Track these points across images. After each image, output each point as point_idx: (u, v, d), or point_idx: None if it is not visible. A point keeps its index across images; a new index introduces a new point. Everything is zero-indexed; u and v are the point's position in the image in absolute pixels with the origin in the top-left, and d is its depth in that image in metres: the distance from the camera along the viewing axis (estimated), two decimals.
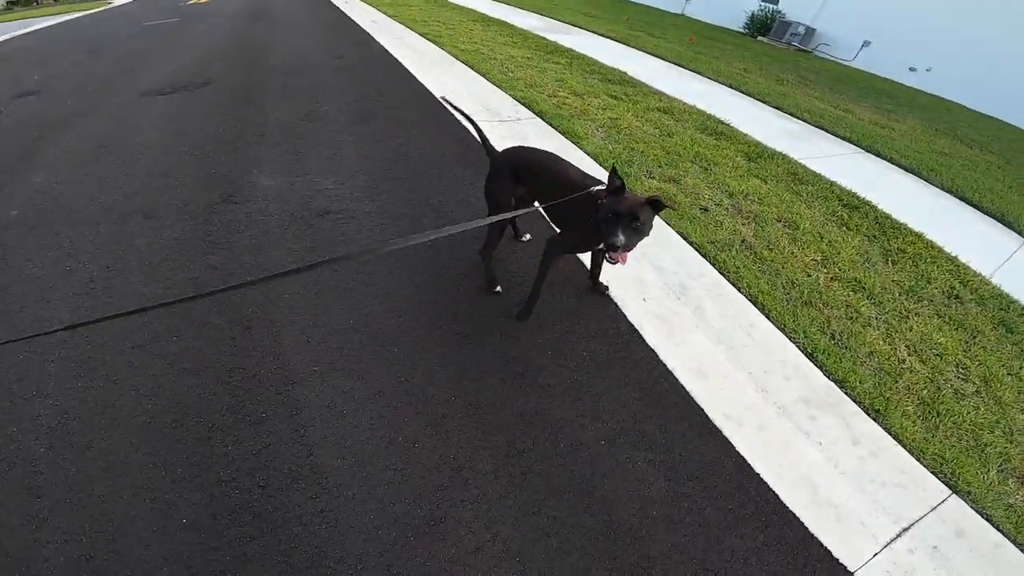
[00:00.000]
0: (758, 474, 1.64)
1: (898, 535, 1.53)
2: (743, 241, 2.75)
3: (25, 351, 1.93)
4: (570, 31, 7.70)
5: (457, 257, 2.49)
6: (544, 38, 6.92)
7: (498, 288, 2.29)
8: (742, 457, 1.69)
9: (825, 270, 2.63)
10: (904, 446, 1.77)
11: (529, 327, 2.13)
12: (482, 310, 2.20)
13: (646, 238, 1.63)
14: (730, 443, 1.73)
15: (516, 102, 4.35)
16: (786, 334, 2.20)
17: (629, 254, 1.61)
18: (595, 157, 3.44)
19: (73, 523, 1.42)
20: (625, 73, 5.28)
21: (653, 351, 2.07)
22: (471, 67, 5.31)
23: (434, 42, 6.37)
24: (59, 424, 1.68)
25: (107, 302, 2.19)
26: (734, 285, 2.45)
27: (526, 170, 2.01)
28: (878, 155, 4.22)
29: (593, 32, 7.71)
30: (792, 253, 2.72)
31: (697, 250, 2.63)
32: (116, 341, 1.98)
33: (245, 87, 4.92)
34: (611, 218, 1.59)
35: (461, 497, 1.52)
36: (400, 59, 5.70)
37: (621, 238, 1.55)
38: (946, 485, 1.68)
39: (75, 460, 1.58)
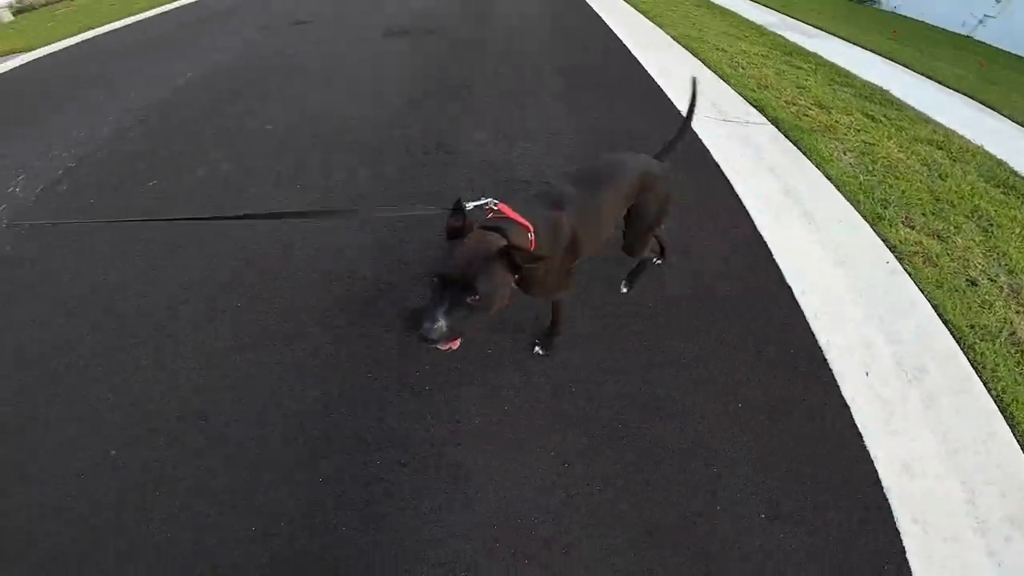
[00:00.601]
0: None
1: None
2: (1013, 334, 2.07)
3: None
4: (813, 33, 6.61)
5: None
6: (782, 36, 6.05)
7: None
8: (910, 568, 1.36)
9: None
10: None
11: (719, 365, 1.87)
12: (662, 316, 2.02)
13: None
14: (904, 550, 1.40)
15: (746, 102, 3.86)
16: None
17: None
18: (839, 185, 2.86)
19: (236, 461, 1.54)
20: (888, 92, 4.30)
21: (859, 434, 1.67)
22: (693, 53, 4.88)
23: (654, 22, 6.09)
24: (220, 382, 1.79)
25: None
26: (986, 385, 1.86)
27: None
28: None
29: (844, 40, 6.51)
30: None
31: (951, 330, 2.04)
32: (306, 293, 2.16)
33: (465, 40, 5.24)
34: (434, 284, 1.06)
35: (588, 533, 1.41)
36: (619, 34, 5.58)
37: (440, 324, 0.99)
38: None
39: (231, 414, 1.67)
